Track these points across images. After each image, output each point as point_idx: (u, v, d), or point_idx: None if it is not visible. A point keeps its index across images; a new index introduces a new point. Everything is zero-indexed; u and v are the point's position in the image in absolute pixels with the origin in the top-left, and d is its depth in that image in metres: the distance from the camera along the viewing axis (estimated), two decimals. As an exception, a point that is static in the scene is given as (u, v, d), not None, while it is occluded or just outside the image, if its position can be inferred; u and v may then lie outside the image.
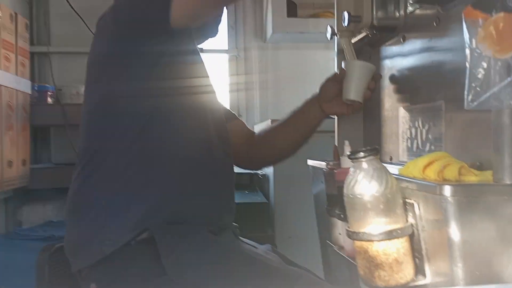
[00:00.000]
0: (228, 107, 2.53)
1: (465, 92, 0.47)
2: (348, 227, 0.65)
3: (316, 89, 1.15)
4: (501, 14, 0.44)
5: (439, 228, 0.61)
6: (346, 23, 1.04)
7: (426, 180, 0.63)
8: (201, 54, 1.08)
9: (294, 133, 1.16)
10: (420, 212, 0.64)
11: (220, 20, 1.11)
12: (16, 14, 1.83)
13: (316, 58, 2.52)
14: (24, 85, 1.91)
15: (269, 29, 2.41)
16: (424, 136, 0.91)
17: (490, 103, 0.44)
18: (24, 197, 2.00)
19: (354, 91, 1.02)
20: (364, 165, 0.63)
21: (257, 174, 2.21)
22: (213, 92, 1.08)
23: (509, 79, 0.43)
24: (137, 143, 0.90)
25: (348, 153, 0.65)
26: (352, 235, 0.63)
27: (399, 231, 0.62)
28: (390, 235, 0.62)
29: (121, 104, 0.93)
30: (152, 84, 0.92)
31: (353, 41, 1.11)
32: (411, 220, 0.65)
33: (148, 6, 0.87)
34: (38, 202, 1.97)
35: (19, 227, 1.77)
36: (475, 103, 0.46)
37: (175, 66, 0.94)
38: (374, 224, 0.63)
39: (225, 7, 0.98)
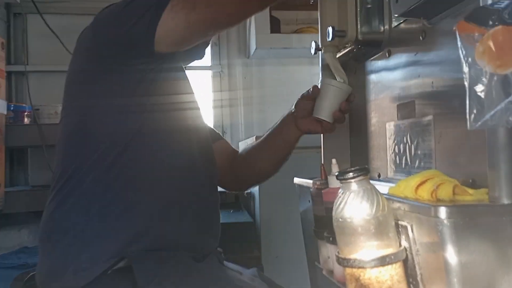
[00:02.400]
0: (212, 124, 2.53)
1: (467, 112, 0.43)
2: (338, 253, 0.61)
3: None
4: (499, 28, 0.41)
5: (435, 251, 0.57)
6: (330, 38, 1.01)
7: (419, 201, 0.60)
8: (185, 71, 1.05)
9: (273, 151, 1.13)
10: (414, 235, 0.60)
11: (208, 44, 1.08)
12: (-10, 32, 1.78)
13: (301, 74, 2.51)
14: (0, 106, 1.84)
15: (252, 45, 2.40)
16: (413, 152, 0.88)
17: (496, 121, 0.41)
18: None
19: (323, 110, 1.01)
20: (354, 186, 0.59)
21: (242, 192, 2.16)
22: (198, 109, 1.04)
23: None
24: (116, 165, 0.85)
25: (336, 173, 0.61)
26: (343, 262, 0.59)
27: (392, 257, 0.58)
28: (383, 261, 0.58)
29: (99, 123, 0.88)
30: (133, 102, 0.88)
31: (338, 55, 1.08)
32: (404, 243, 0.61)
33: (132, 27, 0.83)
34: (13, 227, 1.88)
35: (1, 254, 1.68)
36: (479, 123, 0.43)
37: (157, 84, 0.90)
38: (366, 249, 0.58)
39: (212, 34, 0.95)
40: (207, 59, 2.57)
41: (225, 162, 1.15)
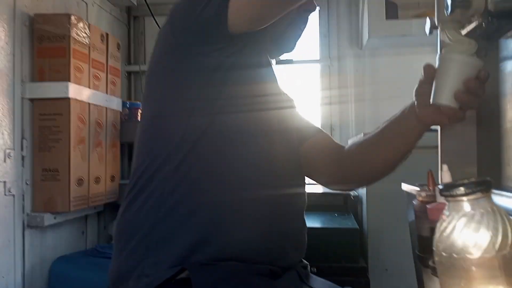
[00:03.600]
0: (319, 121, 2.38)
1: None
2: (441, 300, 0.43)
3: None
4: None
5: None
6: (449, 11, 0.80)
7: None
8: (272, 65, 0.94)
9: (389, 148, 0.90)
10: None
11: (299, 35, 0.96)
12: (107, 34, 1.88)
13: (421, 65, 2.21)
14: (114, 103, 1.95)
15: (365, 34, 2.18)
16: None
17: None
18: (115, 212, 2.03)
19: (441, 94, 0.74)
20: (466, 207, 0.41)
21: (350, 195, 1.97)
22: (287, 107, 0.92)
23: None
24: (185, 164, 0.77)
25: (441, 187, 0.43)
26: (447, 315, 0.41)
27: (527, 315, 0.39)
28: (511, 320, 0.39)
29: (171, 118, 0.82)
30: (206, 94, 0.80)
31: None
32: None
33: (203, 10, 0.76)
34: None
35: (100, 244, 1.78)
36: None
37: (235, 78, 0.80)
38: (484, 300, 0.40)
39: (287, 9, 0.81)
40: (316, 52, 2.42)
41: (327, 158, 0.99)
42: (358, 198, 1.94)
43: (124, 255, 0.78)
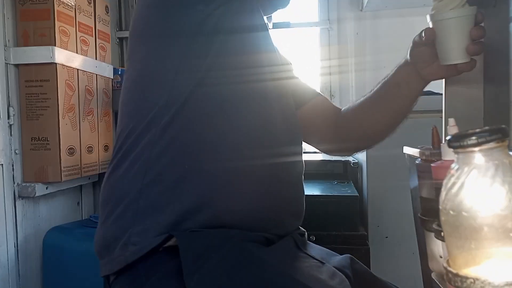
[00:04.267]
0: (318, 86, 2.31)
1: None
2: (449, 265, 0.38)
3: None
4: None
5: None
6: None
7: None
8: (267, 25, 0.87)
9: (388, 107, 0.88)
10: None
11: None
12: (94, -4, 1.79)
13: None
14: (105, 70, 1.87)
15: (365, -6, 2.08)
16: None
17: None
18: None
19: (453, 54, 0.75)
20: (478, 158, 0.35)
21: (349, 162, 1.93)
22: (285, 78, 0.86)
23: None
24: (173, 126, 0.72)
25: (449, 137, 0.38)
26: (455, 281, 0.37)
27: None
28: (527, 285, 0.34)
29: (156, 77, 0.76)
30: (193, 51, 0.74)
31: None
32: None
33: None
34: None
35: (95, 215, 1.74)
36: None
37: (221, 30, 0.74)
38: (496, 264, 0.35)
39: None
40: (314, 14, 2.32)
41: (325, 122, 0.96)
42: (358, 165, 1.89)
43: (110, 222, 0.74)
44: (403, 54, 0.90)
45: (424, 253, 0.84)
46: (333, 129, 0.97)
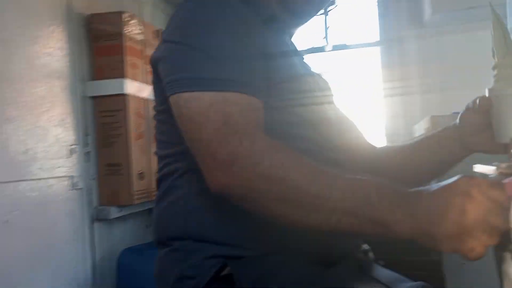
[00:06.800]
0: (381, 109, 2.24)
1: None
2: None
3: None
4: None
5: None
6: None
7: None
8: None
9: (423, 167, 0.86)
10: None
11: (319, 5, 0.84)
12: (160, 30, 1.91)
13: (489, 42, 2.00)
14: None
15: (427, 9, 2.03)
16: None
17: None
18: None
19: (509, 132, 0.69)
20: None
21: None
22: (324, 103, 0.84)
23: None
24: None
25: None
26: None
27: None
28: None
29: None
30: None
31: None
32: None
33: None
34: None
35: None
36: None
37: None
38: None
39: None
40: (375, 34, 2.29)
41: (360, 156, 0.90)
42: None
43: (163, 252, 0.73)
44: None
45: (502, 276, 0.78)
46: (362, 164, 0.89)
